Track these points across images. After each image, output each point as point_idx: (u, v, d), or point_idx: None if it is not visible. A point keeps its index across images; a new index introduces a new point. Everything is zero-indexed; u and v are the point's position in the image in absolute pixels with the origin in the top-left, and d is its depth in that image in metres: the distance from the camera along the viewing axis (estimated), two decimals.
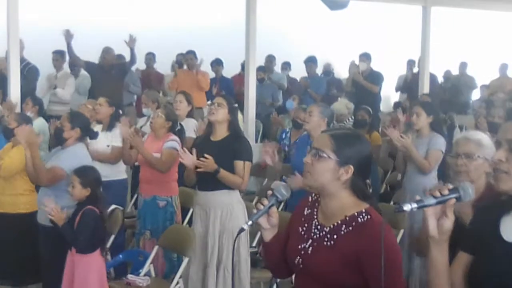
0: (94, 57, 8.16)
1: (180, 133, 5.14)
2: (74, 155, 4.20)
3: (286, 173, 5.12)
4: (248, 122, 7.82)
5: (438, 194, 1.75)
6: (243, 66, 9.04)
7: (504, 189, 1.77)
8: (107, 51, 8.10)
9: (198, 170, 4.11)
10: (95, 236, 3.91)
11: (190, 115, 5.92)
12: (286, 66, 10.17)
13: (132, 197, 6.12)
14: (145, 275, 4.29)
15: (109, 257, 4.47)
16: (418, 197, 1.78)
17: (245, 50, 7.67)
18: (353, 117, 7.28)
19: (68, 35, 7.69)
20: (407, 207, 1.76)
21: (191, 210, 5.28)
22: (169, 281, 4.30)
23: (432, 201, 1.75)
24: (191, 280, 4.26)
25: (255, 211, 2.19)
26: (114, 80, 8.03)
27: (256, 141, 8.51)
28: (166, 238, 4.42)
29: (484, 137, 2.95)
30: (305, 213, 2.28)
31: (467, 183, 1.82)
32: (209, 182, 4.14)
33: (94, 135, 4.57)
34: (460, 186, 1.77)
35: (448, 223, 1.75)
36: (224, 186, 4.16)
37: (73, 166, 4.06)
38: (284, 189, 2.20)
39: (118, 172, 5.33)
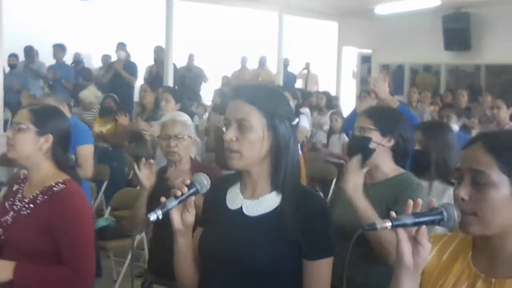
0: None
1: None
2: None
3: None
4: None
5: (179, 193, 1.69)
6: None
7: (236, 168, 1.77)
8: None
9: None
10: None
11: None
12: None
13: None
14: None
15: None
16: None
17: None
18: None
19: None
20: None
21: None
22: None
23: (174, 203, 1.68)
24: None
25: None
26: None
27: (5, 130, 8.33)
28: None
29: (188, 118, 3.24)
30: (14, 189, 2.39)
31: (203, 177, 1.74)
32: None
33: None
34: (195, 179, 1.73)
35: (190, 217, 1.75)
36: None
37: None
38: None
39: None
